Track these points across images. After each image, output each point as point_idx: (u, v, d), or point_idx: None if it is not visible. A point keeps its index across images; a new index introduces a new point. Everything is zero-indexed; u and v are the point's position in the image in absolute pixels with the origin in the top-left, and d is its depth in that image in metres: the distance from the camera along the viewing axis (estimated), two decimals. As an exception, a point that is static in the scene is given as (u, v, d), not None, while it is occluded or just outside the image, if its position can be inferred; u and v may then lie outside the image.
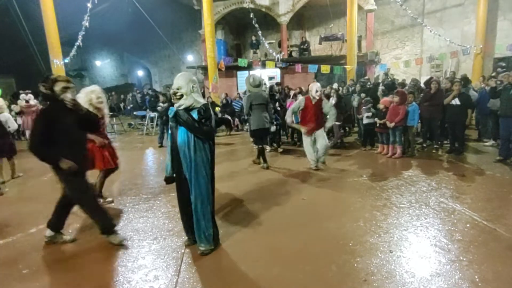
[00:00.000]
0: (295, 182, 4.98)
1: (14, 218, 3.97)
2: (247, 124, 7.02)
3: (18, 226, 3.70)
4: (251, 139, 7.09)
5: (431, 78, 7.79)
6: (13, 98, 11.89)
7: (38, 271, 2.76)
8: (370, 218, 3.56)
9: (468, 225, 3.29)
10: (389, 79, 10.62)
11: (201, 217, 2.83)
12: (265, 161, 5.82)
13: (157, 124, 10.66)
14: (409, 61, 12.81)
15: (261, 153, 5.84)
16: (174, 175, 2.91)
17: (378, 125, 6.28)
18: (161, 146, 8.35)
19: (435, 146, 6.68)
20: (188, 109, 2.74)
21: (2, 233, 3.53)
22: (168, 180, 2.95)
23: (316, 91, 5.32)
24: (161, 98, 8.73)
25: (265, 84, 7.50)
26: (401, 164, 5.80)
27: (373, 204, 3.94)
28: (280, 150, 7.21)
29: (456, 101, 5.78)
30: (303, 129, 5.47)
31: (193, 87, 2.77)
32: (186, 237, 3.08)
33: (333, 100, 7.16)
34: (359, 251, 2.89)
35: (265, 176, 5.35)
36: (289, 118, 5.52)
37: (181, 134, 2.76)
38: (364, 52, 13.69)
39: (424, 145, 6.93)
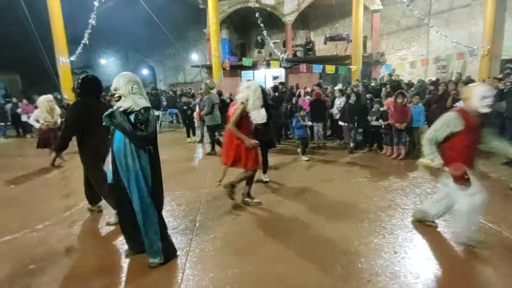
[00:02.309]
0: (299, 182, 4.98)
1: (19, 215, 4.01)
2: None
3: (24, 222, 3.74)
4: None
5: (438, 79, 7.73)
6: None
7: (44, 266, 2.79)
8: (374, 219, 3.55)
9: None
10: (394, 80, 10.57)
11: (145, 229, 2.64)
12: (213, 148, 7.01)
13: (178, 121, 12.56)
14: (415, 62, 12.75)
15: (218, 142, 6.84)
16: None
17: (383, 126, 6.25)
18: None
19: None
20: (126, 112, 2.52)
21: (8, 229, 3.57)
22: (109, 187, 2.72)
23: (483, 98, 2.68)
24: (183, 98, 9.54)
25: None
26: (406, 165, 5.78)
27: (378, 205, 3.93)
28: (305, 158, 6.30)
29: (461, 103, 5.72)
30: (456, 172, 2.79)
31: (132, 87, 2.55)
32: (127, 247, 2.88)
33: (338, 101, 7.14)
34: (364, 251, 2.88)
35: (268, 176, 5.34)
36: (433, 154, 2.85)
37: (117, 138, 2.53)
38: (370, 53, 13.66)
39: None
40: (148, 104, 2.59)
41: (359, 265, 2.67)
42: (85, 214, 3.95)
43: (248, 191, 4.12)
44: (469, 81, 7.81)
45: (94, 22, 11.40)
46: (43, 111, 6.15)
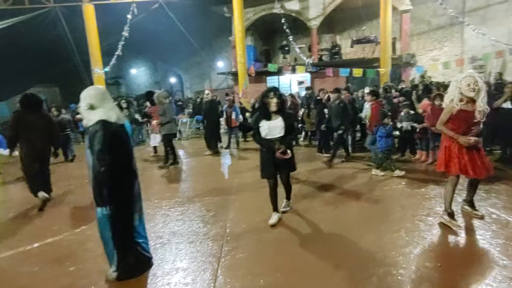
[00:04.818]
0: (329, 189, 4.85)
1: (60, 219, 4.22)
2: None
3: (64, 226, 3.93)
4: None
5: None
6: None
7: (83, 268, 2.90)
8: (412, 228, 3.36)
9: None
10: (426, 82, 10.12)
11: (103, 242, 2.62)
12: (167, 161, 6.89)
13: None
14: (449, 62, 12.10)
15: (168, 154, 6.89)
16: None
17: (418, 130, 5.96)
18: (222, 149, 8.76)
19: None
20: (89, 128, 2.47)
21: (50, 232, 3.77)
22: None
23: None
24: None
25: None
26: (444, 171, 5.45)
27: (415, 214, 3.73)
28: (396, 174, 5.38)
29: (508, 105, 5.34)
30: None
31: (86, 104, 2.44)
32: None
33: (367, 105, 6.91)
34: (402, 262, 2.73)
35: (294, 181, 5.25)
36: None
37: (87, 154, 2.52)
38: (399, 54, 13.19)
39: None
40: (104, 117, 2.43)
41: (398, 277, 2.53)
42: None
43: (471, 199, 3.60)
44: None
45: (127, 34, 11.96)
46: None
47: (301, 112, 8.97)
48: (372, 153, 5.90)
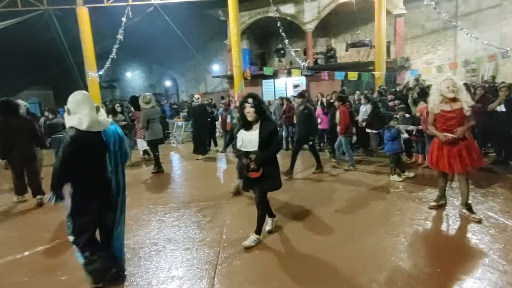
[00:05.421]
0: (324, 193, 4.81)
1: (52, 225, 4.10)
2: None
3: (56, 233, 3.81)
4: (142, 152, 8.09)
5: (465, 84, 7.27)
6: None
7: (75, 277, 2.80)
8: (411, 232, 3.33)
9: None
10: (420, 85, 10.17)
11: None
12: (159, 166, 6.65)
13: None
14: (442, 66, 12.22)
15: (157, 159, 6.65)
16: None
17: (414, 132, 5.96)
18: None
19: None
20: None
21: (41, 239, 3.65)
22: None
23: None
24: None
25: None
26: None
27: (413, 218, 3.70)
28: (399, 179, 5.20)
29: (501, 108, 5.37)
30: None
31: (66, 108, 2.41)
32: None
33: (364, 108, 6.93)
34: (402, 268, 2.69)
35: (289, 186, 5.20)
36: None
37: None
38: (394, 58, 13.30)
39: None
40: (75, 124, 2.35)
41: (399, 283, 2.49)
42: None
43: (466, 201, 3.62)
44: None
45: (122, 37, 11.87)
46: None
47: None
48: (337, 154, 6.24)
